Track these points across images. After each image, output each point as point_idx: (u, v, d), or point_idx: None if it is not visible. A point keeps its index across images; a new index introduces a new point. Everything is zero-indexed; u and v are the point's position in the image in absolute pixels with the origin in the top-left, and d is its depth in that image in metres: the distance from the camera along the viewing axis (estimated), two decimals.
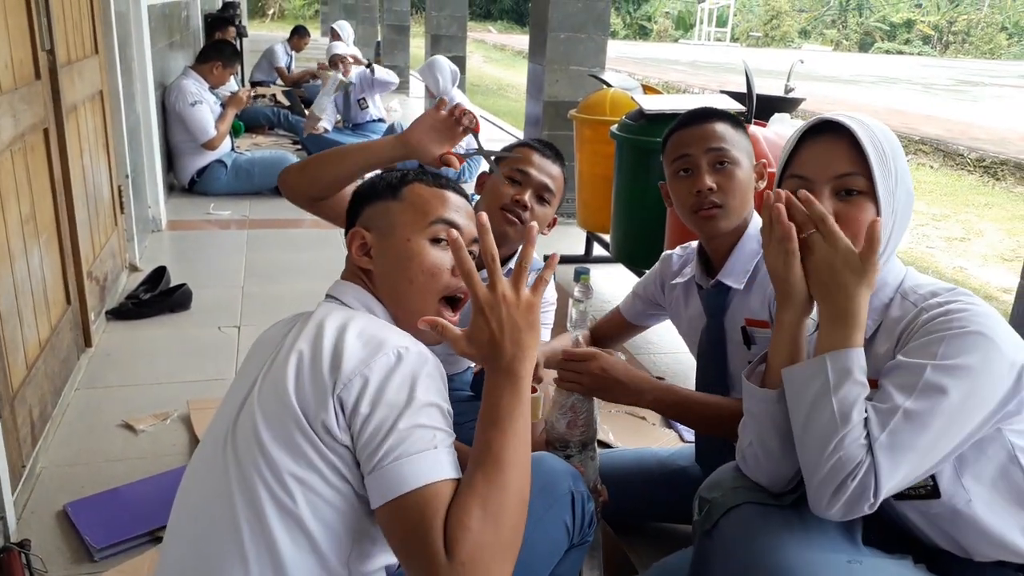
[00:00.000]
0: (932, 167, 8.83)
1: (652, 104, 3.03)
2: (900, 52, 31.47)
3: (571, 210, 4.22)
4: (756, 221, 1.55)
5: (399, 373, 0.97)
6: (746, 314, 1.53)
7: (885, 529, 1.19)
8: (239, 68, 6.06)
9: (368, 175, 1.37)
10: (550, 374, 1.73)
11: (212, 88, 4.91)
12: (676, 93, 10.97)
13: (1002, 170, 8.25)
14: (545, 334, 1.85)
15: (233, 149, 5.14)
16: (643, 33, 34.45)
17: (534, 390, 1.52)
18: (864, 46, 32.85)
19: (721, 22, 31.94)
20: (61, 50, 2.49)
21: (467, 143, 1.57)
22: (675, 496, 1.65)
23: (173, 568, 1.02)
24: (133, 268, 3.51)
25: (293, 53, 8.87)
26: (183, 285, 3.15)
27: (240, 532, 0.95)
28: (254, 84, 8.27)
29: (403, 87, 9.99)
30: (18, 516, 1.82)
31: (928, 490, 1.09)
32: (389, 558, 1.05)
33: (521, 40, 22.33)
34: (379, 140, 1.52)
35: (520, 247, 1.68)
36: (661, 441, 2.24)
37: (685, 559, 1.34)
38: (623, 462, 1.80)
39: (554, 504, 1.21)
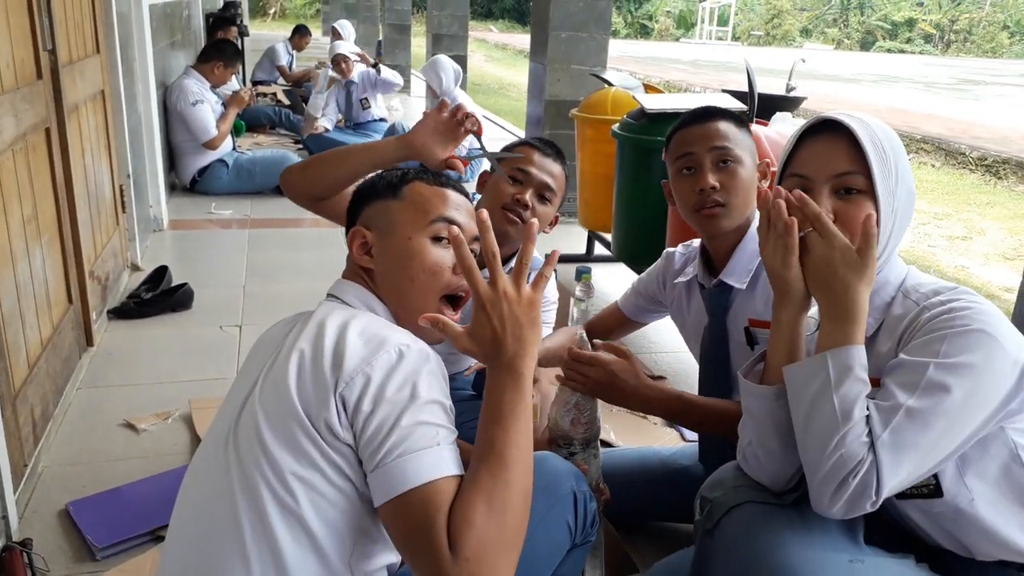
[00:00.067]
0: (934, 166, 8.82)
1: (653, 103, 3.03)
2: (902, 51, 31.44)
3: (572, 209, 4.21)
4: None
5: (401, 371, 0.97)
6: (750, 314, 1.52)
7: (887, 528, 1.19)
8: (240, 67, 6.06)
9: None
10: (547, 373, 1.73)
11: (213, 87, 4.91)
12: (677, 92, 10.98)
13: (1004, 169, 8.25)
14: (546, 333, 1.85)
15: (234, 148, 5.15)
16: (644, 32, 34.43)
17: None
18: (865, 45, 32.82)
19: (722, 21, 31.92)
20: (63, 50, 2.49)
21: (469, 143, 1.57)
22: (677, 495, 1.65)
23: (175, 567, 1.02)
24: (135, 267, 3.52)
25: (294, 52, 8.87)
26: (184, 284, 3.15)
27: (242, 531, 0.95)
28: (255, 83, 8.27)
29: (404, 86, 9.98)
30: (20, 515, 1.82)
31: (930, 489, 1.09)
32: (391, 557, 1.05)
33: (522, 39, 22.33)
34: (382, 141, 1.51)
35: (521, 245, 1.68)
36: (663, 440, 2.24)
37: (687, 558, 1.33)
38: (625, 461, 1.80)
39: (556, 504, 1.21)
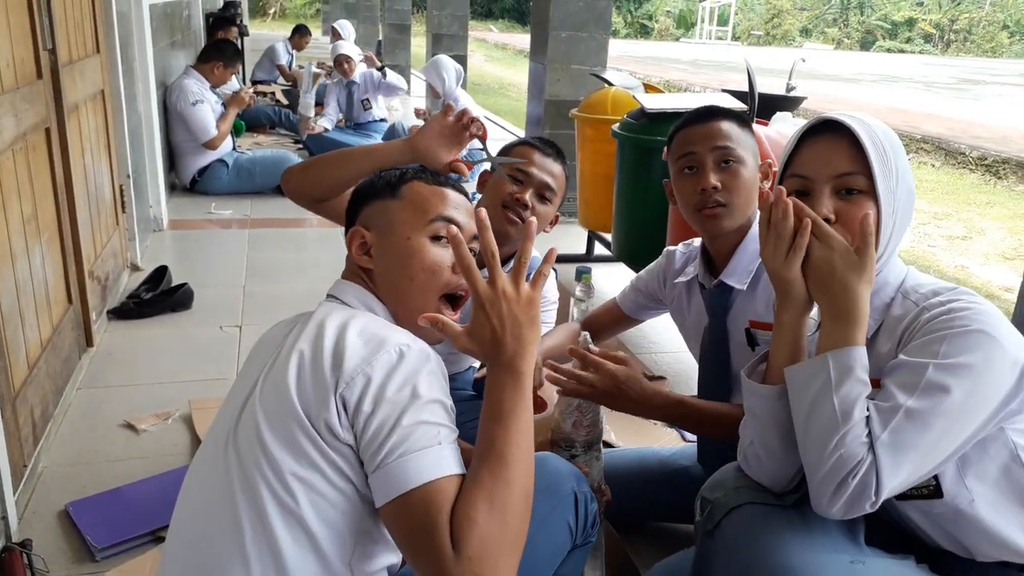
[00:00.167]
0: (934, 166, 8.82)
1: (654, 103, 3.03)
2: (901, 51, 31.44)
3: (572, 209, 4.21)
4: None
5: (401, 371, 0.97)
6: (751, 316, 1.52)
7: (887, 530, 1.19)
8: (240, 67, 6.06)
9: None
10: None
11: (213, 87, 4.91)
12: (677, 92, 10.98)
13: (1004, 169, 8.24)
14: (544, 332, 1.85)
15: (234, 148, 5.15)
16: (644, 32, 34.43)
17: (542, 408, 1.50)
18: (865, 45, 32.82)
19: (722, 21, 31.92)
20: (63, 49, 2.49)
21: (469, 146, 1.57)
22: (677, 496, 1.65)
23: (175, 568, 1.02)
24: (134, 267, 3.52)
25: (294, 52, 8.88)
26: (184, 284, 3.15)
27: (242, 532, 0.95)
28: (255, 83, 8.28)
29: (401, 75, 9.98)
30: (20, 516, 1.82)
31: (931, 490, 1.09)
32: (391, 558, 1.05)
33: (522, 39, 22.32)
34: (385, 144, 1.51)
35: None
36: (663, 441, 2.24)
37: (687, 559, 1.33)
38: (625, 462, 1.79)
39: (558, 505, 1.21)
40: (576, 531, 1.23)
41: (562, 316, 2.00)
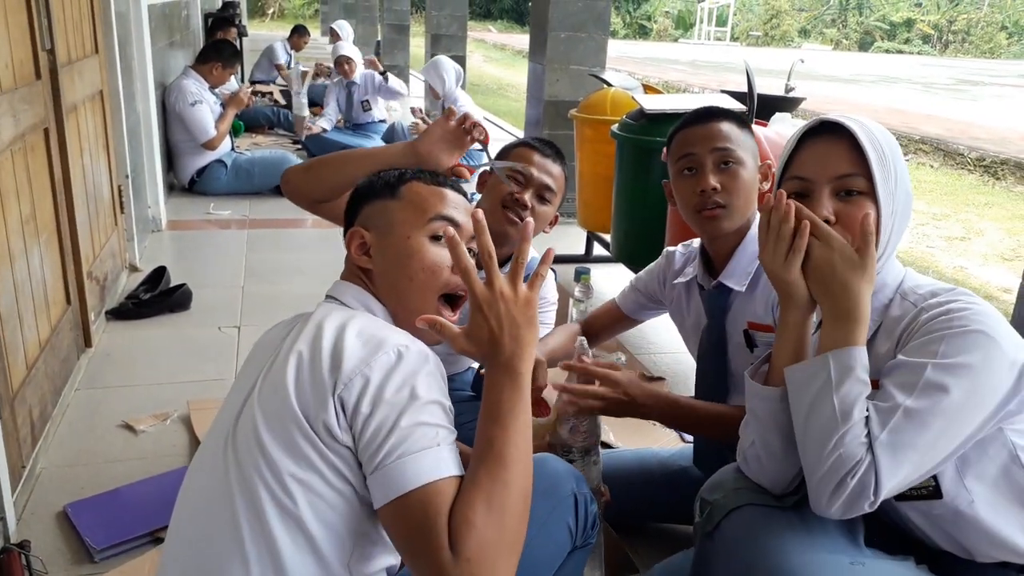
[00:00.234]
0: (932, 166, 8.83)
1: (653, 103, 3.03)
2: (900, 51, 31.48)
3: (571, 210, 4.21)
4: None
5: (400, 372, 0.97)
6: (749, 317, 1.52)
7: (887, 531, 1.19)
8: (239, 68, 6.06)
9: None
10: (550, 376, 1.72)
11: (212, 88, 4.91)
12: (676, 93, 10.97)
13: (1002, 169, 8.25)
14: (544, 333, 1.84)
15: (233, 149, 5.14)
16: (643, 32, 34.45)
17: (545, 412, 1.50)
18: (864, 45, 32.85)
19: (721, 21, 31.95)
20: (61, 50, 2.49)
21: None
22: (676, 496, 1.65)
23: (174, 568, 1.02)
24: (133, 268, 3.51)
25: (293, 52, 8.87)
26: (183, 285, 3.14)
27: (241, 533, 0.95)
28: (253, 83, 8.27)
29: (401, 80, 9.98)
30: (18, 517, 1.82)
31: (930, 491, 1.09)
32: (390, 559, 1.05)
33: (521, 39, 22.33)
34: (387, 148, 1.51)
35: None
36: (662, 441, 2.24)
37: (687, 560, 1.33)
38: (624, 463, 1.80)
39: (557, 506, 1.20)
40: (576, 532, 1.23)
41: (561, 317, 2.00)
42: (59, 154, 2.41)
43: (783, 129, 2.68)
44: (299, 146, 6.02)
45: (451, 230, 1.03)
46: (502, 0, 33.33)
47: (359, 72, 6.09)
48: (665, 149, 1.61)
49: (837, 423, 1.03)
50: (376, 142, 5.94)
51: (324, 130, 5.89)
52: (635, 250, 3.21)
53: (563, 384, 1.42)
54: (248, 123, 6.48)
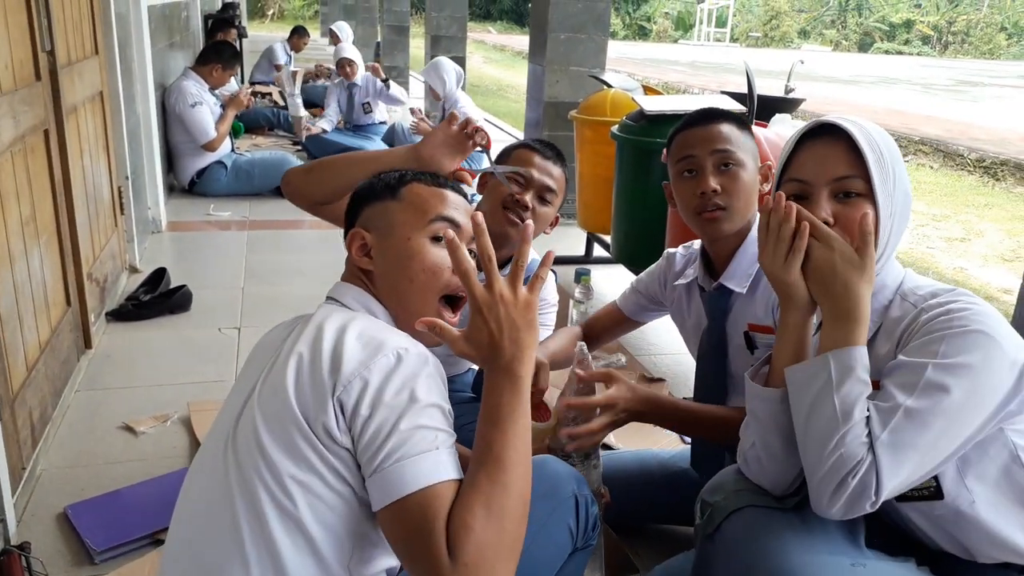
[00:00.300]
0: (932, 167, 8.83)
1: (653, 105, 3.03)
2: (899, 52, 31.48)
3: (572, 211, 4.21)
4: None
5: (399, 374, 0.97)
6: (749, 319, 1.52)
7: (888, 532, 1.19)
8: (239, 69, 6.07)
9: None
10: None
11: (212, 89, 4.91)
12: (676, 94, 10.97)
13: (1002, 170, 8.25)
14: (544, 335, 1.84)
15: (233, 150, 5.15)
16: (642, 34, 34.46)
17: (546, 416, 1.50)
18: (863, 46, 32.86)
19: (720, 22, 31.95)
20: (61, 51, 2.49)
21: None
22: (676, 498, 1.65)
23: (175, 569, 1.02)
24: (133, 269, 3.51)
25: (292, 53, 8.87)
26: (183, 286, 3.14)
27: (241, 535, 0.95)
28: (253, 84, 8.27)
29: (402, 87, 9.99)
30: (18, 518, 1.81)
31: (931, 491, 1.09)
32: (390, 561, 1.04)
33: (521, 41, 22.34)
34: (389, 151, 1.51)
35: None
36: (662, 443, 2.24)
37: (687, 562, 1.33)
38: (624, 464, 1.79)
39: (558, 508, 1.20)
40: (577, 534, 1.23)
41: (561, 318, 2.00)
42: (59, 155, 2.41)
43: (783, 130, 2.68)
44: (299, 147, 6.03)
45: (451, 232, 1.03)
46: (502, 1, 33.34)
47: (360, 74, 6.10)
48: (665, 151, 1.61)
49: (838, 423, 1.03)
50: (376, 143, 5.94)
51: (324, 131, 5.89)
52: (635, 251, 3.21)
53: (583, 430, 1.39)
54: (248, 124, 6.48)
